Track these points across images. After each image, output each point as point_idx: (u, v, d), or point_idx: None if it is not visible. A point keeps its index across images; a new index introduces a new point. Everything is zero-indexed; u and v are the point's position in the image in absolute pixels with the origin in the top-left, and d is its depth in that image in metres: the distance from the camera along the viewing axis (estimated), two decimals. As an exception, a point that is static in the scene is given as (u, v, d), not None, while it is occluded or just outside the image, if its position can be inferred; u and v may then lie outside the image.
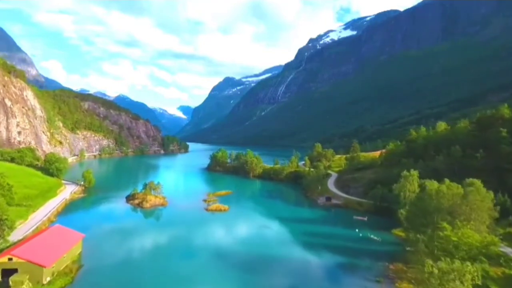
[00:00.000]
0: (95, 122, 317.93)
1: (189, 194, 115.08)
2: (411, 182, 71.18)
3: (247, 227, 77.86)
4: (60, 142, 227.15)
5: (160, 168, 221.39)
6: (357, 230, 72.26)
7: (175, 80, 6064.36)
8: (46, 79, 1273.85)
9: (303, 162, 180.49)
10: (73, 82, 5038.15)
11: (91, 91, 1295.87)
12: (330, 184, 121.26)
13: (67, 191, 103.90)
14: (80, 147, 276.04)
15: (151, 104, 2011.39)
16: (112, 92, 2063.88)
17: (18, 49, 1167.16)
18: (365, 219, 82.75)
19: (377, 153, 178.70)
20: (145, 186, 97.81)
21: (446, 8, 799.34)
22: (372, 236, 67.81)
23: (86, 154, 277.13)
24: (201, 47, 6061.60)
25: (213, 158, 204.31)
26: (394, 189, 76.45)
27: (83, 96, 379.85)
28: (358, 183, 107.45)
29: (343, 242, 64.69)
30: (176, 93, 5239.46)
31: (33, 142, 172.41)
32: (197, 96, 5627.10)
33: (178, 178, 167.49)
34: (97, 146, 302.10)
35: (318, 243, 65.68)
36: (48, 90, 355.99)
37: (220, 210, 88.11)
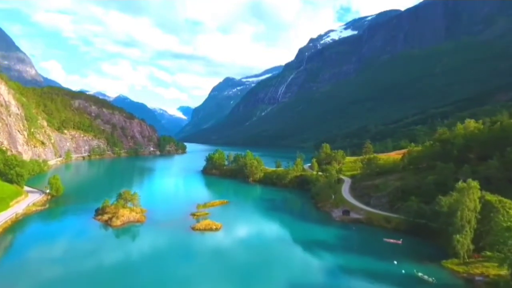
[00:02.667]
0: (85, 121, 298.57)
1: (176, 205, 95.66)
2: (470, 197, 51.93)
3: (242, 257, 57.47)
4: (43, 143, 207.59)
5: (151, 171, 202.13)
6: (395, 262, 53.03)
7: (174, 81, 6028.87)
8: (46, 79, 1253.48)
9: (309, 164, 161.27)
10: (72, 82, 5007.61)
11: (91, 92, 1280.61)
12: (345, 192, 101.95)
13: (25, 202, 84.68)
14: (67, 148, 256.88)
15: (151, 104, 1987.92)
16: (112, 92, 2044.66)
17: (17, 49, 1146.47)
18: (400, 242, 63.48)
19: (392, 154, 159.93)
20: (118, 196, 78.49)
21: (449, 7, 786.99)
22: (420, 274, 48.53)
23: (74, 156, 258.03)
24: (200, 47, 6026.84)
25: (209, 160, 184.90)
26: (442, 204, 57.30)
27: (74, 94, 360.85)
28: (381, 192, 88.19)
29: (383, 286, 45.37)
30: (176, 93, 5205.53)
31: (5, 143, 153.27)
32: (197, 96, 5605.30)
33: (167, 183, 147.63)
34: (86, 147, 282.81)
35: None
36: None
37: (211, 229, 68.74)
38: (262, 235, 69.41)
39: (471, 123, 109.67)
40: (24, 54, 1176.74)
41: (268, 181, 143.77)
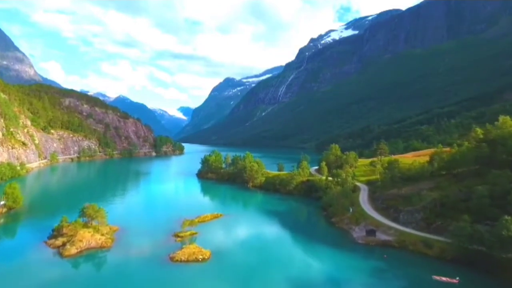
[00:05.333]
0: (75, 120, 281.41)
1: (159, 220, 77.92)
2: None
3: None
4: (24, 143, 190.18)
5: (141, 174, 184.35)
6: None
7: (174, 81, 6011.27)
8: (45, 79, 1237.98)
9: (315, 167, 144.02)
10: (72, 83, 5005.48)
11: (91, 92, 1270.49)
12: (364, 202, 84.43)
13: (-33, 218, 67.37)
14: (54, 149, 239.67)
15: (151, 105, 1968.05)
16: (112, 93, 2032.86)
17: (16, 49, 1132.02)
18: (457, 281, 46.05)
19: (408, 156, 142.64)
20: (81, 212, 61.16)
21: (451, 7, 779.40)
22: None
23: (61, 157, 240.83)
24: (200, 47, 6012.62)
25: (204, 162, 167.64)
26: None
27: (65, 92, 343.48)
28: (413, 206, 70.69)
29: None
30: (176, 93, 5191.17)
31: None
32: (197, 96, 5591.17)
33: (154, 190, 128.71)
34: (75, 148, 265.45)
35: None
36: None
37: (196, 259, 51.11)
38: (262, 269, 51.31)
39: (507, 120, 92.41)
40: (23, 54, 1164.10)
41: (270, 186, 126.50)
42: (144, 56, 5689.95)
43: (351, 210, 78.45)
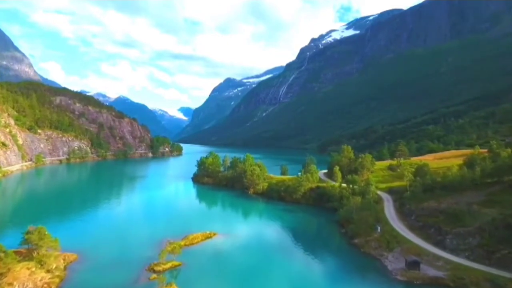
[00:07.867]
0: (65, 119, 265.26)
1: (134, 242, 61.02)
2: None
3: None
4: (4, 144, 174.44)
5: (130, 178, 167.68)
6: None
7: (174, 81, 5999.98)
8: (45, 80, 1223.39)
9: (324, 171, 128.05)
10: (72, 83, 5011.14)
11: (91, 93, 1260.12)
12: (392, 218, 67.93)
13: None
14: (41, 150, 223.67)
15: (151, 105, 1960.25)
16: (112, 93, 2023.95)
17: (15, 49, 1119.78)
18: None
19: (429, 158, 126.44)
20: (24, 238, 44.98)
21: (454, 6, 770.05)
22: None
23: (48, 159, 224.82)
24: (199, 48, 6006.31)
25: (200, 165, 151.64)
26: None
27: (57, 90, 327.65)
28: (464, 227, 54.47)
29: None
30: (176, 94, 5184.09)
31: None
32: (197, 97, 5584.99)
33: (139, 199, 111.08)
34: (65, 149, 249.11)
35: None
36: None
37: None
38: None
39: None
40: (23, 54, 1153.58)
41: (274, 194, 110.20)
42: (143, 56, 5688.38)
43: (378, 229, 62.19)
